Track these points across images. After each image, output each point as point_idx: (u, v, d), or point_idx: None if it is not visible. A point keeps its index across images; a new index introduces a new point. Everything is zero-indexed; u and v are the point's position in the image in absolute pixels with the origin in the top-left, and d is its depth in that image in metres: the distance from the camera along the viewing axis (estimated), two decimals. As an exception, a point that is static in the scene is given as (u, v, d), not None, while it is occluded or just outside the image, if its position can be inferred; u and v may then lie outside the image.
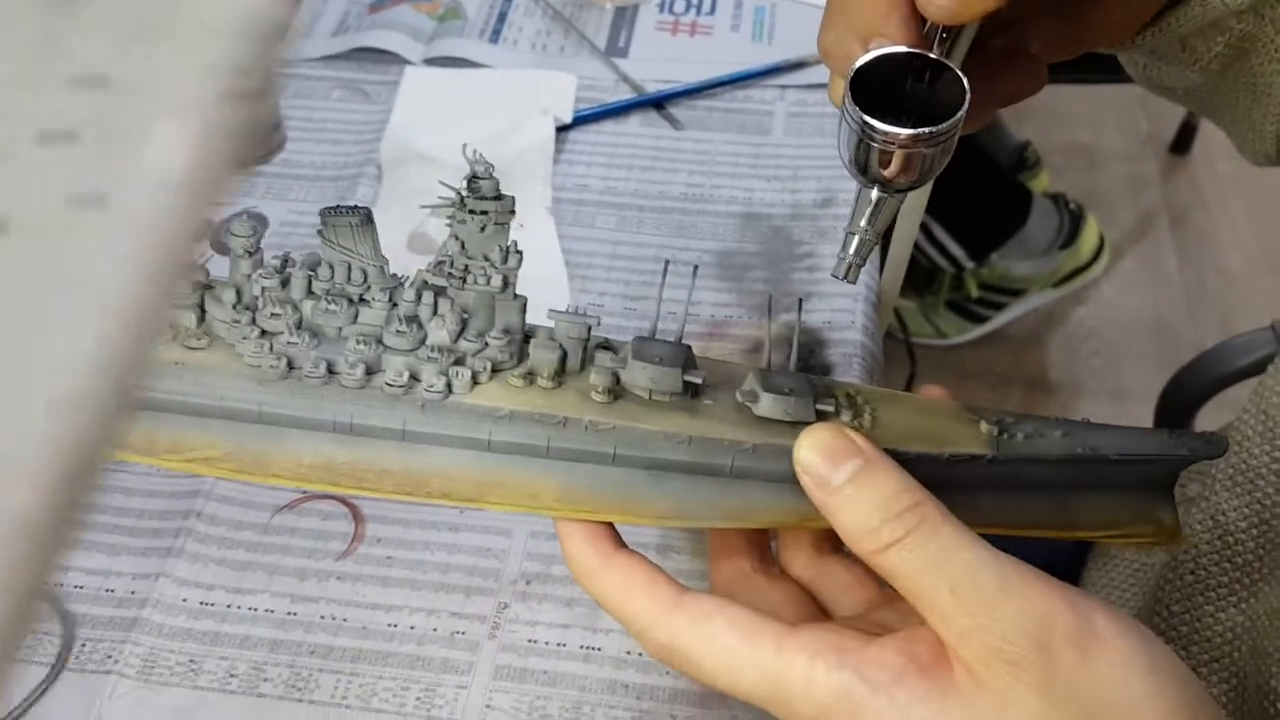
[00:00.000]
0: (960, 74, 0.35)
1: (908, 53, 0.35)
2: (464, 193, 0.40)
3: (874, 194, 0.36)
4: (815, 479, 0.36)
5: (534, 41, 0.85)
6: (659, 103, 0.80)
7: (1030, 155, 1.79)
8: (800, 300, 0.48)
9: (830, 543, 0.44)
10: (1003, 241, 1.66)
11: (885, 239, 0.74)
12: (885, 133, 0.34)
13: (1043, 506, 0.43)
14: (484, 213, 0.40)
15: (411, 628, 0.55)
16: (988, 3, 0.35)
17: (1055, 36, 0.44)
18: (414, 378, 0.40)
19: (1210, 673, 0.56)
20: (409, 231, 0.71)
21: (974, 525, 0.42)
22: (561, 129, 0.78)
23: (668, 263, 0.45)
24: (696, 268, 0.46)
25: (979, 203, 1.65)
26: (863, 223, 0.37)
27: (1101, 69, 1.34)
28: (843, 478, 0.36)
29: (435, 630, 0.55)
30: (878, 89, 0.35)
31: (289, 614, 0.56)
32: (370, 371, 0.40)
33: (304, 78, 0.83)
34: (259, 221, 0.74)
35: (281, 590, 0.57)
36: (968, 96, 0.34)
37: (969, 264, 1.65)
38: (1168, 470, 0.44)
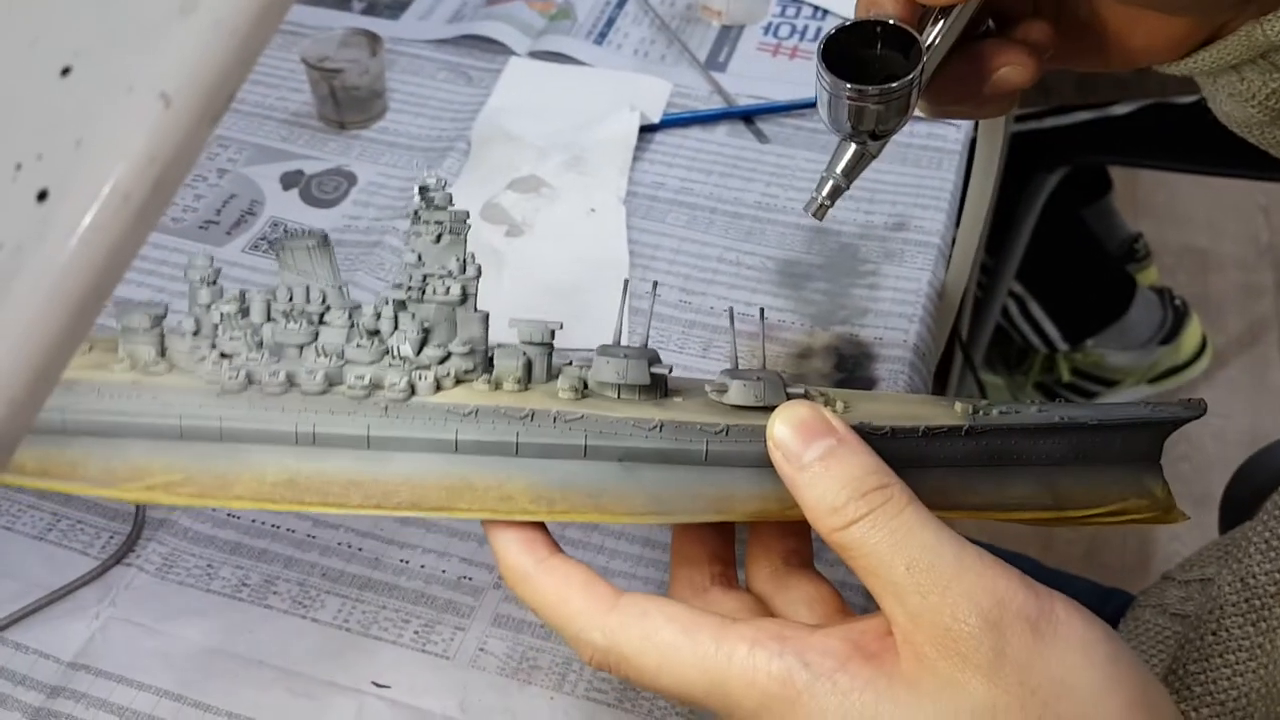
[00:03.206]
0: (920, 40, 0.39)
1: (874, 22, 0.40)
2: (418, 204, 0.41)
3: (850, 146, 0.42)
4: (786, 454, 0.36)
5: (637, 48, 0.88)
6: (748, 116, 0.81)
7: (1141, 248, 1.76)
8: (761, 312, 0.48)
9: (799, 555, 0.43)
10: (1101, 328, 1.63)
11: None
12: (840, 87, 0.39)
13: (1029, 484, 0.43)
14: (438, 223, 0.41)
15: (422, 566, 0.56)
16: None
17: (1066, 46, 0.44)
18: (376, 385, 0.40)
19: None
20: (484, 201, 0.73)
21: (958, 506, 0.42)
22: (649, 129, 0.80)
23: (627, 282, 0.46)
24: (656, 284, 0.50)
25: (1081, 285, 1.62)
26: (838, 169, 0.43)
27: (1222, 162, 1.32)
28: (814, 455, 0.35)
29: (444, 572, 0.56)
30: (855, 54, 0.40)
31: (309, 536, 0.57)
32: (332, 382, 0.40)
33: (414, 57, 0.87)
34: (346, 179, 0.77)
35: (306, 512, 0.58)
36: (922, 64, 0.39)
37: (1063, 346, 1.62)
38: (1152, 439, 0.44)
